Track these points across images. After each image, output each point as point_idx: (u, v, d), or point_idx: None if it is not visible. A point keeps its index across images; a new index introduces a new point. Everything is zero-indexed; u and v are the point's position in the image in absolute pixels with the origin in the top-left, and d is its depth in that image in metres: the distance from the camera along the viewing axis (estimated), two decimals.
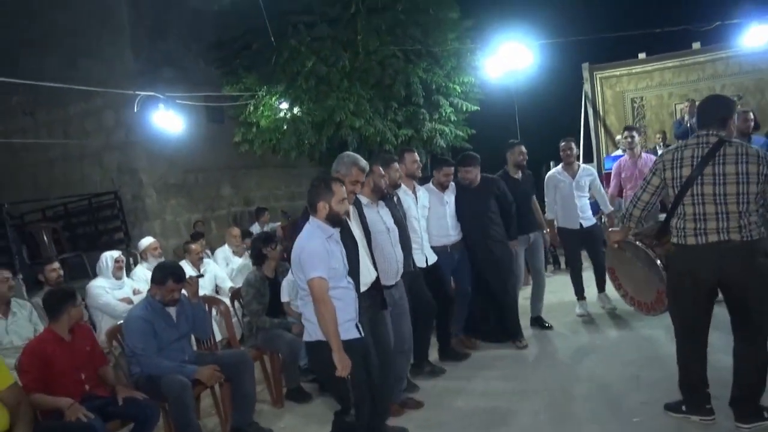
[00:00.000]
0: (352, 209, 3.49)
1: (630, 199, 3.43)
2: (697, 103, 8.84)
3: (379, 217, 3.76)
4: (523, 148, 5.50)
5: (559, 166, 5.92)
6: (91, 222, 8.83)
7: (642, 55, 11.52)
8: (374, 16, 7.31)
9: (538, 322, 5.61)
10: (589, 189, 5.78)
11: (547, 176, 5.99)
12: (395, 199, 4.30)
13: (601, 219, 6.66)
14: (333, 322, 2.87)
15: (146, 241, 6.19)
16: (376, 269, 3.51)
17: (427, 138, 7.85)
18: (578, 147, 6.91)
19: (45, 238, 7.68)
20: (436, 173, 5.03)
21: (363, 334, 3.07)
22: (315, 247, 2.92)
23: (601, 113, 11.97)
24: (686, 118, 9.91)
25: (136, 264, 6.69)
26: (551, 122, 11.55)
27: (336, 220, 3.05)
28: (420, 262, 4.45)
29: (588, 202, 5.79)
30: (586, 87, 11.90)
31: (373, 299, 3.43)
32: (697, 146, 3.00)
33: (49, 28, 9.64)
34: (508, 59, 8.13)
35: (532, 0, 12.56)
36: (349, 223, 3.32)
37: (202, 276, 4.94)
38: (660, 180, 3.13)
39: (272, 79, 7.47)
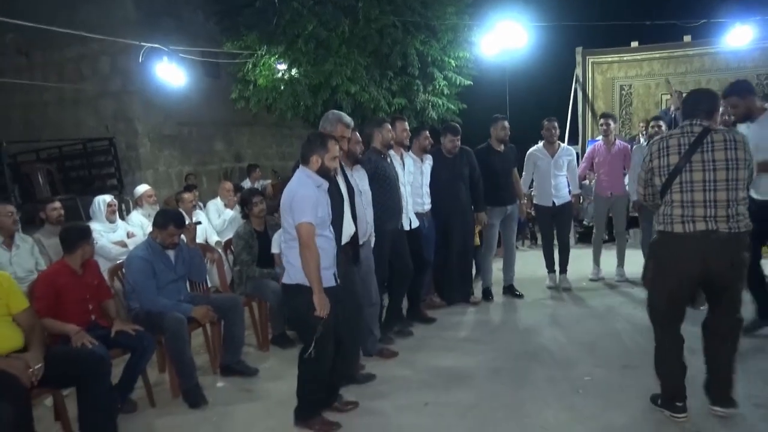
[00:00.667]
0: (340, 167, 3.77)
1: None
2: (683, 94, 9.22)
3: (354, 180, 3.98)
4: (506, 123, 5.79)
5: (540, 144, 6.22)
6: (85, 166, 8.98)
7: (634, 44, 11.74)
8: None
9: (510, 290, 6.00)
10: (567, 168, 6.11)
11: (528, 152, 6.30)
12: (388, 159, 4.59)
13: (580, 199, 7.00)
14: (316, 267, 3.10)
15: (142, 188, 6.42)
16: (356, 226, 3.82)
17: (420, 108, 8.09)
18: (564, 128, 7.16)
19: (40, 179, 7.84)
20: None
21: (338, 283, 3.35)
22: (306, 193, 3.13)
23: (590, 97, 12.22)
24: (672, 108, 10.24)
25: (128, 210, 6.93)
26: (541, 102, 11.80)
27: (326, 175, 3.26)
28: (405, 225, 4.77)
29: (565, 180, 6.13)
30: (578, 71, 12.10)
31: (347, 254, 3.69)
32: (682, 135, 3.03)
33: None
34: (504, 37, 8.34)
35: None
36: (337, 178, 3.59)
37: (200, 223, 5.21)
38: (650, 169, 3.13)
39: (273, 39, 7.62)
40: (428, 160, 5.32)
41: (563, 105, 11.74)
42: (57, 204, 5.36)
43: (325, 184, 3.29)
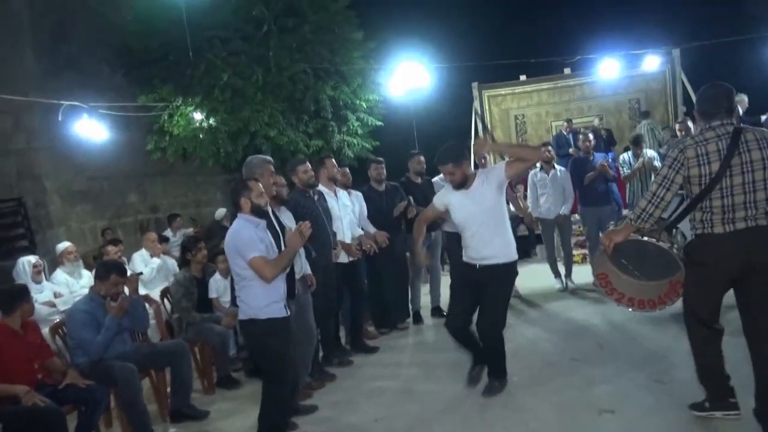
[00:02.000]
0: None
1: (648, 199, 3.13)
2: (572, 121, 10.27)
3: (282, 220, 4.20)
4: (422, 158, 6.32)
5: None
6: None
7: (523, 77, 12.95)
8: (285, 35, 7.88)
9: (437, 311, 6.44)
10: None
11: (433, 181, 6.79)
12: (314, 196, 4.89)
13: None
14: (281, 261, 3.45)
15: (62, 246, 6.32)
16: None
17: (337, 148, 8.51)
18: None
19: None
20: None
21: (289, 314, 3.57)
22: (247, 233, 3.40)
23: (489, 128, 13.26)
24: (564, 133, 11.34)
25: (46, 270, 6.74)
26: (446, 135, 12.60)
27: (259, 212, 3.53)
28: (342, 258, 5.08)
29: None
30: (476, 104, 13.15)
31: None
32: (718, 139, 2.92)
33: None
34: (408, 78, 9.03)
35: (428, 24, 13.64)
36: (273, 216, 3.89)
37: (141, 273, 5.26)
38: (683, 178, 3.00)
39: (188, 90, 7.79)
40: (355, 193, 5.70)
41: (467, 136, 12.64)
42: None
43: (263, 223, 3.57)
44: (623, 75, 11.33)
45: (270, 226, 3.73)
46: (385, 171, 5.89)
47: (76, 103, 6.40)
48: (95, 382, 3.82)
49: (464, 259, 3.97)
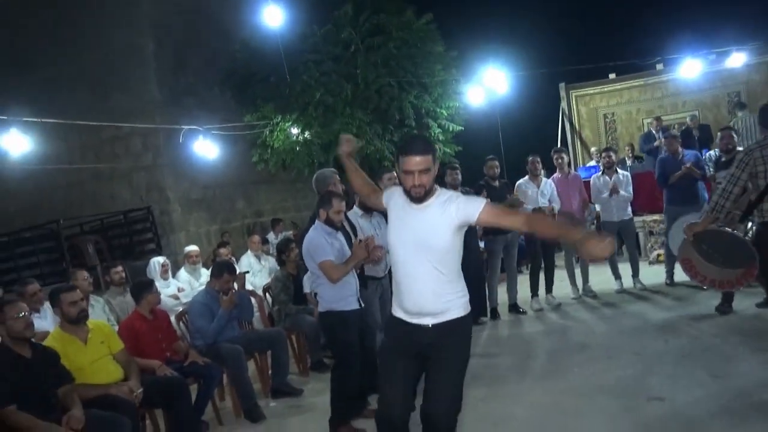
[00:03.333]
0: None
1: (719, 193, 4.14)
2: (662, 119, 10.14)
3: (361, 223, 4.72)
4: (496, 162, 6.72)
5: (526, 177, 7.08)
6: (126, 234, 10.01)
7: (612, 75, 12.81)
8: (371, 52, 8.58)
9: (514, 308, 6.81)
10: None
11: (516, 184, 7.14)
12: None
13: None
14: (344, 271, 3.89)
15: (188, 249, 7.38)
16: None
17: None
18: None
19: (89, 249, 8.84)
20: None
21: (362, 307, 4.13)
22: (317, 240, 3.99)
23: (577, 128, 13.24)
24: (653, 132, 11.18)
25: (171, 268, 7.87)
26: (532, 137, 12.78)
27: (332, 225, 4.10)
28: None
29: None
30: (564, 104, 13.18)
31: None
32: None
33: (82, 65, 10.84)
34: (491, 84, 9.39)
35: (511, 29, 13.86)
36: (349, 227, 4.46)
37: (248, 272, 6.15)
38: (748, 175, 3.94)
39: (286, 108, 8.71)
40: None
41: (552, 138, 12.73)
42: (119, 268, 6.30)
43: (334, 232, 4.12)
44: (711, 69, 10.84)
45: (343, 230, 4.36)
46: (460, 176, 6.33)
47: (194, 127, 7.48)
48: (211, 360, 4.65)
49: (395, 312, 2.75)
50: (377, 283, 4.77)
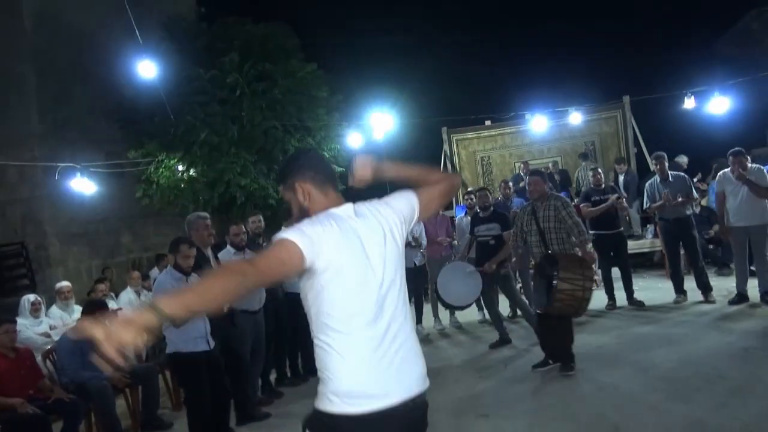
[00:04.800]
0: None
1: None
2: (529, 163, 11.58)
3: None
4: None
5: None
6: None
7: (488, 122, 14.09)
8: (256, 97, 9.03)
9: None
10: None
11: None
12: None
13: None
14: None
15: (59, 285, 7.32)
16: None
17: None
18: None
19: None
20: None
21: (212, 348, 4.49)
22: (163, 283, 4.42)
23: (458, 169, 14.32)
24: (522, 174, 12.40)
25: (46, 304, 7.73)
26: None
27: (181, 270, 4.41)
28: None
29: None
30: (446, 147, 14.27)
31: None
32: None
33: None
34: (377, 127, 10.01)
35: (400, 78, 14.90)
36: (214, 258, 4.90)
37: (121, 309, 6.26)
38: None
39: (171, 146, 8.91)
40: None
41: None
42: None
43: (183, 277, 4.41)
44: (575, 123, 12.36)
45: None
46: None
47: (70, 164, 7.49)
48: (77, 396, 4.76)
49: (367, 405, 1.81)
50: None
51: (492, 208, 6.58)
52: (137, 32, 7.02)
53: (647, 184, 7.56)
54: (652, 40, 16.05)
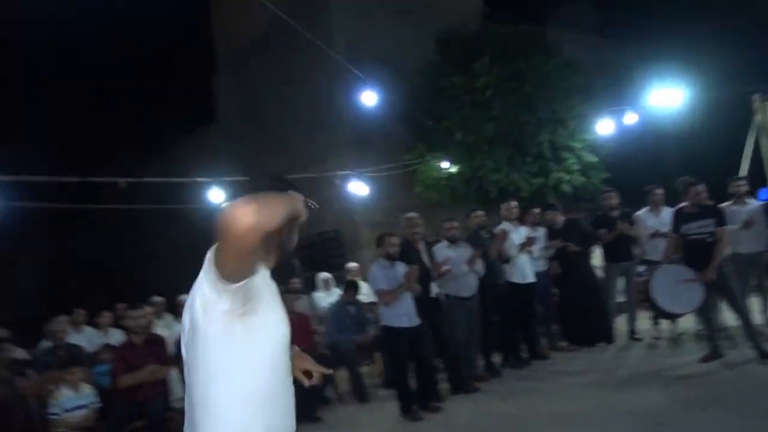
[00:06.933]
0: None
1: None
2: None
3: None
4: (612, 194, 7.63)
5: (646, 208, 7.41)
6: (321, 251, 12.59)
7: None
8: (508, 95, 9.67)
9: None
10: None
11: (634, 216, 7.46)
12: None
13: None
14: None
15: (348, 265, 9.35)
16: None
17: (554, 184, 9.85)
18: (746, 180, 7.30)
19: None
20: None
21: (415, 325, 5.53)
22: (375, 272, 5.64)
23: None
24: None
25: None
26: (712, 158, 11.75)
27: (390, 257, 5.58)
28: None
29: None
30: (757, 118, 11.98)
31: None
32: None
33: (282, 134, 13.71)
34: (657, 105, 9.01)
35: (678, 41, 13.22)
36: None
37: None
38: None
39: (434, 147, 10.30)
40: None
41: (732, 157, 11.70)
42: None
43: (394, 266, 5.62)
44: None
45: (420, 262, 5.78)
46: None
47: (347, 172, 9.41)
48: (330, 353, 6.40)
49: None
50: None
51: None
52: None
53: None
54: None
